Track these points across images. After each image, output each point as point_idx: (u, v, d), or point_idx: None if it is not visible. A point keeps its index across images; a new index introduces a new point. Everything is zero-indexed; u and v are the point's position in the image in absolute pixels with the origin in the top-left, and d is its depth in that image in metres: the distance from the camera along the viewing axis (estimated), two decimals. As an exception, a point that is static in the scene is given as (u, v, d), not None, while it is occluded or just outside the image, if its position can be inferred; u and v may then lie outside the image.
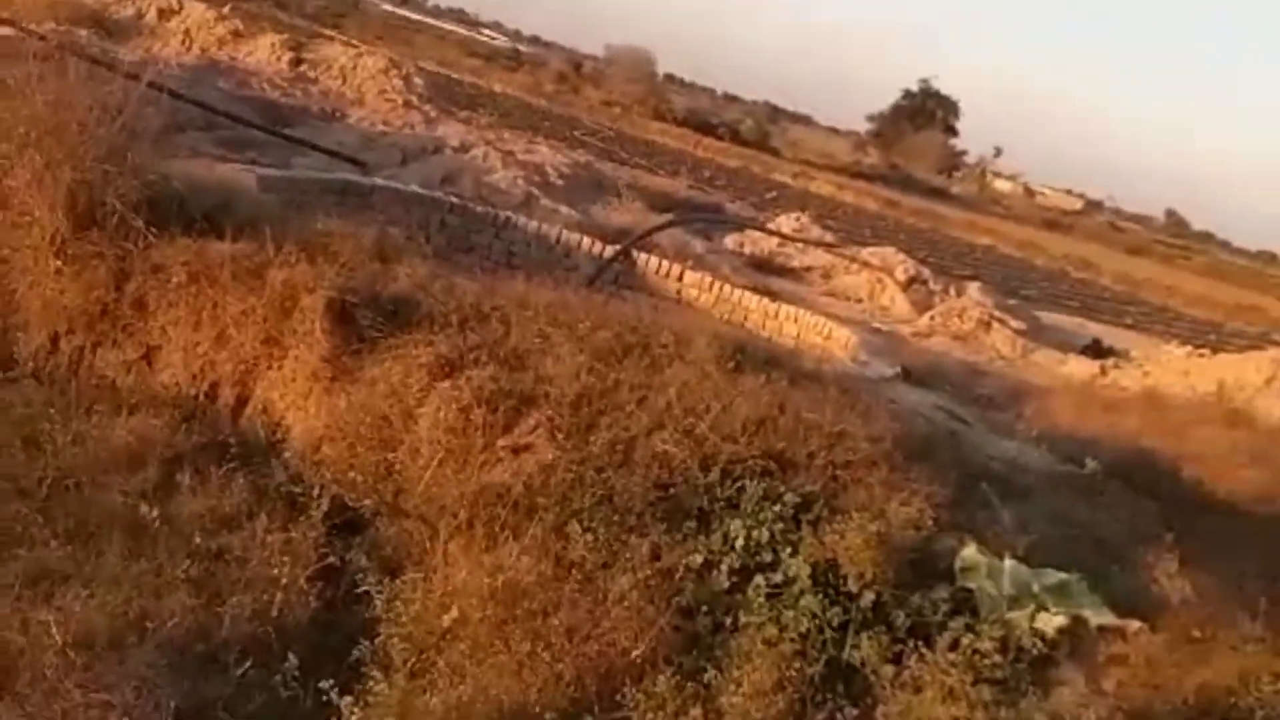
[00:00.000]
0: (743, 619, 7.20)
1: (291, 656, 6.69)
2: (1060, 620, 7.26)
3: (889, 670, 6.95)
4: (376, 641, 7.05)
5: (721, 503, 7.74)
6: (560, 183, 26.50)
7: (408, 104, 31.63)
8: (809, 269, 28.18)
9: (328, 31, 58.40)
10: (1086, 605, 7.46)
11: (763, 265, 26.79)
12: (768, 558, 7.42)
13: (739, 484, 7.79)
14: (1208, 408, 16.63)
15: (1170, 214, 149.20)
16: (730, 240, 28.61)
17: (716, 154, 78.04)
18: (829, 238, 33.18)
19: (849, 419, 8.56)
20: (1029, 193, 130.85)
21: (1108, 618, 7.45)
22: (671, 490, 7.78)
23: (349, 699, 6.32)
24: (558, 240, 17.91)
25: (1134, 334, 38.18)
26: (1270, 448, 13.45)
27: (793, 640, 6.99)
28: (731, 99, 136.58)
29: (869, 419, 8.72)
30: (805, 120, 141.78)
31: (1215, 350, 28.19)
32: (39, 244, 9.84)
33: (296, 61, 33.04)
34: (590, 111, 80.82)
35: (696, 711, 6.64)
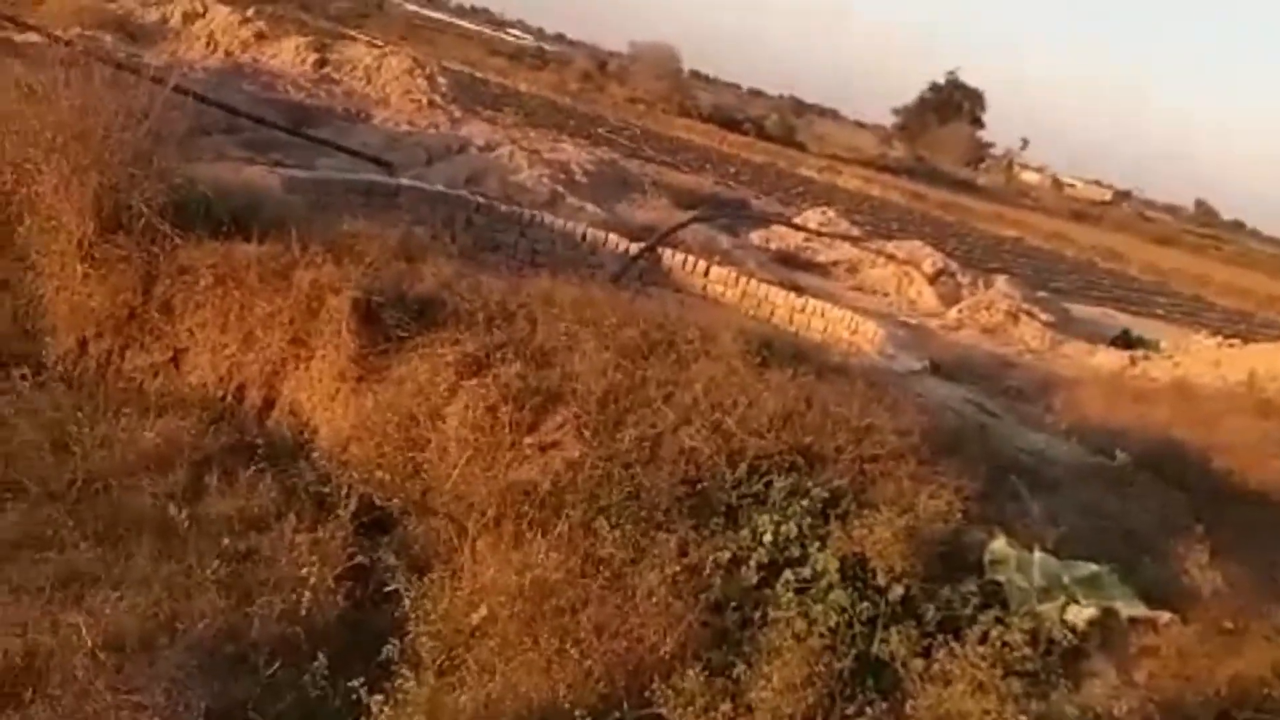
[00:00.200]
0: (771, 614, 7.17)
1: (321, 656, 6.70)
2: (1091, 612, 7.22)
3: (919, 664, 6.92)
4: (405, 640, 7.05)
5: (749, 498, 7.71)
6: (585, 180, 26.53)
7: (432, 104, 31.72)
8: (835, 263, 28.12)
9: (351, 32, 58.52)
10: (1117, 597, 7.42)
11: (789, 260, 26.75)
12: (796, 552, 7.40)
13: (767, 479, 7.77)
14: (1238, 398, 16.53)
15: (1200, 204, 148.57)
16: (756, 235, 28.61)
17: (742, 149, 77.97)
18: (855, 232, 33.18)
19: (876, 413, 8.53)
20: (1057, 184, 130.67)
21: (1138, 609, 7.40)
22: (699, 486, 7.76)
23: (378, 698, 6.33)
24: (583, 238, 17.94)
25: (1164, 324, 38.02)
26: (1302, 438, 13.35)
27: (822, 635, 6.96)
28: (757, 94, 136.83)
29: (897, 412, 8.69)
30: (831, 114, 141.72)
31: (1246, 340, 28.02)
32: (66, 248, 9.89)
33: (321, 63, 33.16)
34: (615, 109, 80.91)
35: (726, 707, 6.61)
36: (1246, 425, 13.57)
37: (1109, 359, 23.22)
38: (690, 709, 6.61)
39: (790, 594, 7.20)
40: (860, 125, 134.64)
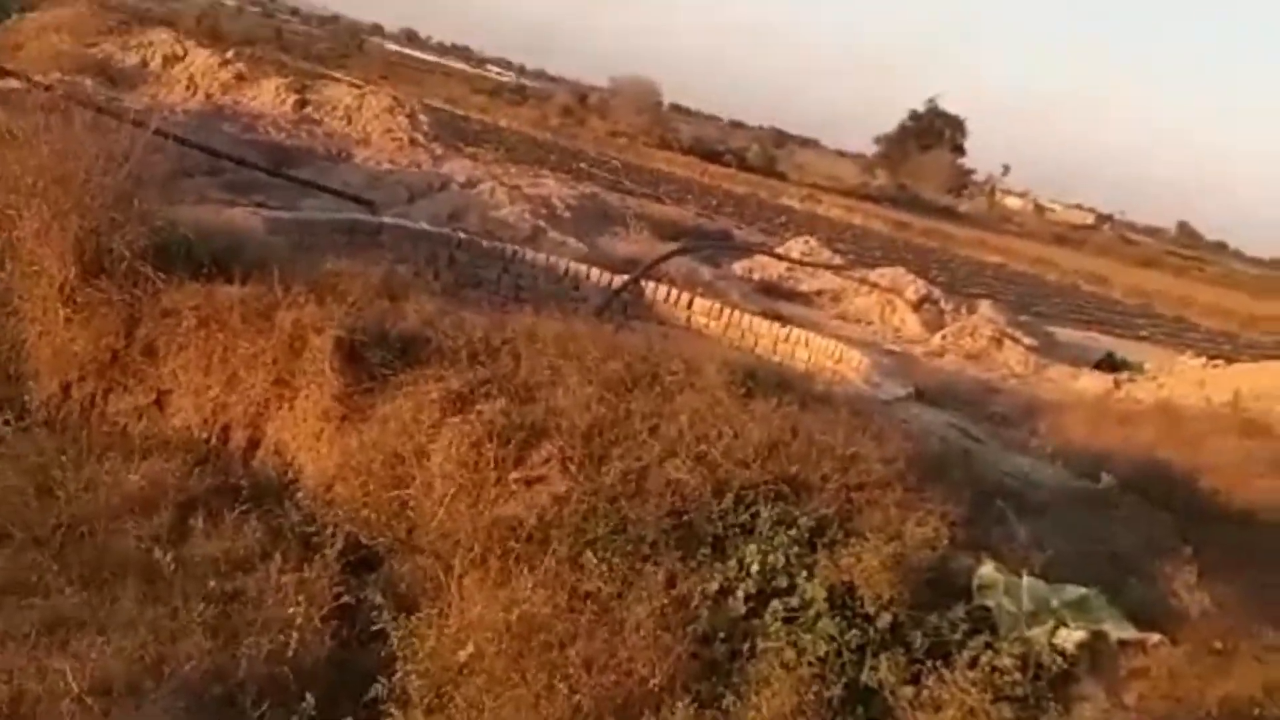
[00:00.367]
0: (760, 644, 7.16)
1: (309, 696, 6.69)
2: (1080, 635, 7.21)
3: (908, 691, 6.90)
4: (393, 679, 7.03)
5: (736, 528, 7.71)
6: (567, 215, 26.61)
7: (413, 142, 31.82)
8: (819, 292, 28.23)
9: (332, 73, 58.60)
10: (1106, 619, 7.41)
11: (772, 290, 26.84)
12: (784, 582, 7.39)
13: (753, 509, 7.76)
14: (1223, 418, 16.59)
15: (1182, 225, 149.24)
16: (739, 266, 28.68)
17: (724, 181, 78.26)
18: (838, 260, 33.25)
19: (862, 441, 8.53)
20: (1039, 209, 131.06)
21: (1128, 631, 7.40)
22: (685, 518, 7.75)
23: (367, 737, 6.31)
24: (566, 272, 17.95)
25: (1148, 346, 38.19)
26: (1287, 458, 13.39)
27: (811, 664, 6.95)
28: (737, 125, 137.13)
29: (882, 440, 8.69)
30: (812, 144, 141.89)
31: (1230, 360, 28.15)
32: (48, 293, 9.89)
33: (301, 104, 33.23)
34: (596, 143, 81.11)
35: (717, 739, 6.61)
36: (1231, 445, 13.62)
37: (1093, 382, 23.31)
38: (681, 742, 6.60)
39: (779, 624, 7.19)
40: (841, 154, 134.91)
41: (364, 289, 10.05)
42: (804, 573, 7.38)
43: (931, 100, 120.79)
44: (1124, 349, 32.51)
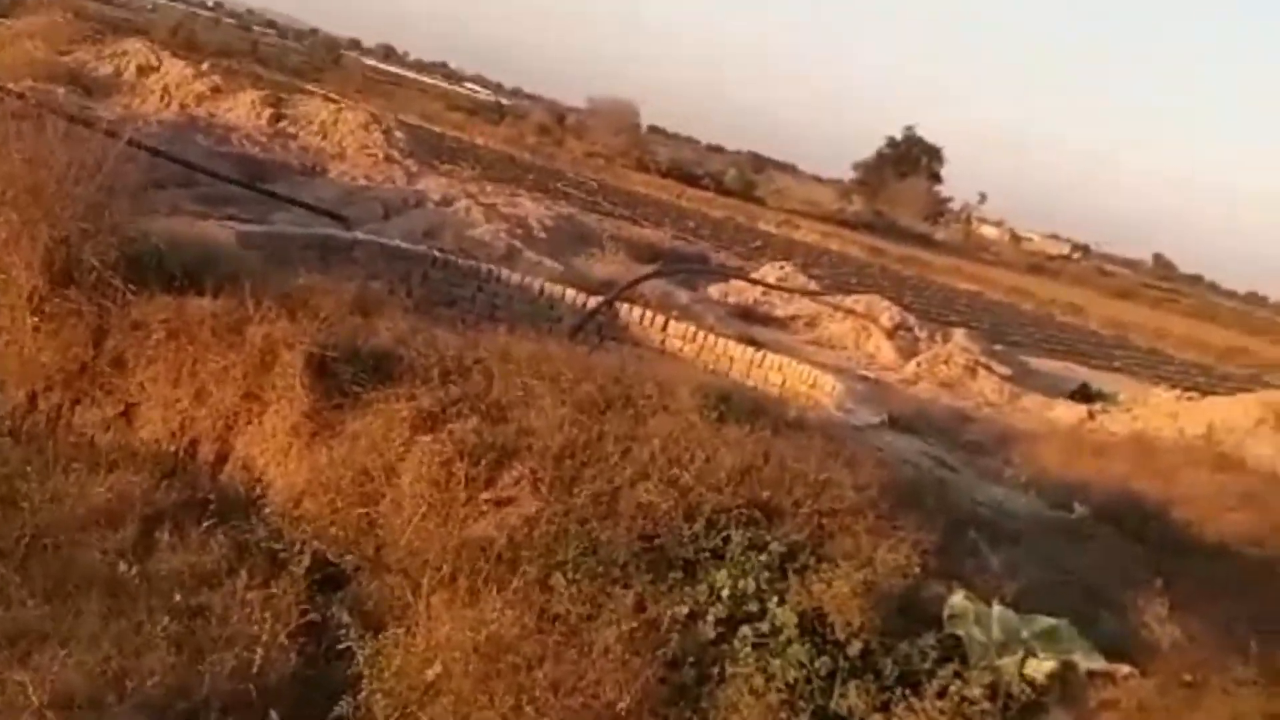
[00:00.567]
0: (729, 669, 7.12)
1: (273, 714, 6.65)
2: (1050, 666, 7.20)
3: (877, 719, 6.87)
4: (359, 698, 6.98)
5: (707, 553, 7.66)
6: (543, 235, 26.59)
7: (389, 158, 31.76)
8: (794, 317, 28.24)
9: (308, 87, 58.54)
10: (1076, 650, 7.40)
11: (747, 314, 26.83)
12: (754, 607, 7.35)
13: (724, 534, 7.72)
14: (1196, 451, 16.65)
15: (1158, 257, 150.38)
16: (715, 290, 28.69)
17: (701, 204, 78.45)
18: (814, 286, 33.31)
19: (834, 467, 8.50)
20: (1015, 238, 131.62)
21: (1098, 663, 7.39)
22: (656, 541, 7.71)
23: (331, 757, 6.25)
24: (541, 292, 17.89)
25: (1123, 377, 38.34)
26: (1259, 490, 13.44)
27: (780, 690, 6.91)
28: (715, 149, 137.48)
29: (855, 466, 8.66)
30: (790, 169, 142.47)
31: (1204, 393, 28.29)
32: (16, 302, 9.81)
33: (277, 117, 33.14)
34: (573, 163, 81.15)
35: (684, 764, 6.56)
36: (1204, 478, 13.66)
37: (1068, 412, 23.36)
38: (648, 766, 6.55)
39: (748, 649, 7.15)
40: (819, 180, 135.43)
41: (336, 305, 9.99)
42: (775, 598, 7.34)
43: (909, 128, 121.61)
44: (1099, 380, 32.64)
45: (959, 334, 29.76)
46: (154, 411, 9.71)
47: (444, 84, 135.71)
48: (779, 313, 28.37)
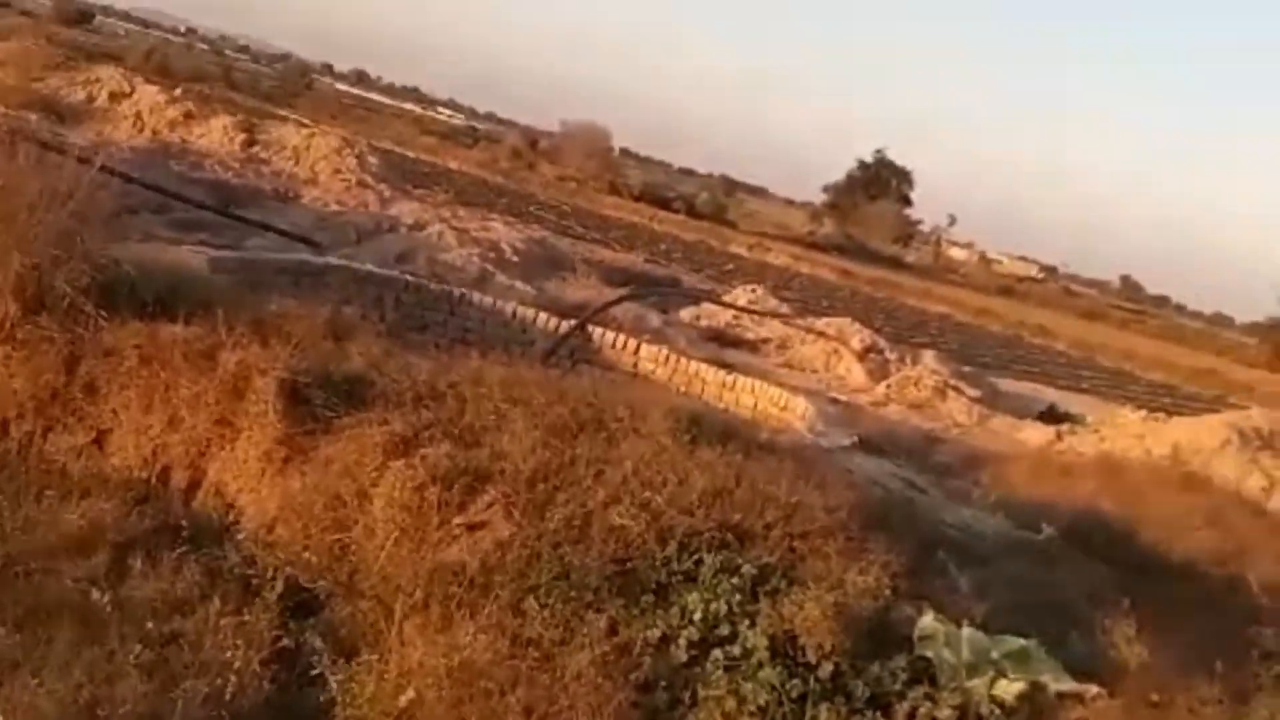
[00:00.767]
0: (701, 693, 7.14)
1: (246, 741, 6.62)
2: (1019, 687, 7.24)
3: (849, 741, 6.91)
4: (332, 724, 6.98)
5: (679, 576, 7.68)
6: (516, 259, 26.63)
7: (361, 183, 31.77)
8: (765, 340, 28.35)
9: (281, 112, 58.51)
10: (1045, 671, 7.45)
11: (719, 337, 26.94)
12: (726, 630, 7.37)
13: (696, 557, 7.74)
14: (1162, 471, 16.79)
15: (1125, 279, 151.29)
16: (686, 313, 28.78)
17: (673, 227, 78.57)
18: (785, 309, 33.41)
19: (805, 489, 8.53)
20: (984, 260, 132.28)
21: (1066, 683, 7.43)
22: (629, 565, 7.72)
23: (304, 784, 6.25)
24: (513, 316, 17.92)
25: (1090, 398, 38.56)
26: (1224, 510, 13.56)
27: (751, 713, 6.94)
28: (687, 173, 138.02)
29: (826, 489, 8.69)
30: (761, 193, 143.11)
31: (1170, 413, 28.46)
32: (-12, 329, 9.79)
33: (249, 143, 33.15)
34: (546, 187, 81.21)
35: (657, 788, 6.58)
36: (1170, 499, 13.77)
37: (1036, 433, 23.52)
38: (621, 790, 6.57)
39: (720, 672, 7.18)
40: (790, 203, 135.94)
41: (309, 330, 10.00)
42: (746, 621, 7.37)
43: (879, 151, 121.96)
44: (1066, 400, 32.83)
45: (928, 356, 29.95)
46: (126, 438, 9.68)
47: (417, 108, 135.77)
48: (750, 335, 28.47)
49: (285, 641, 7.69)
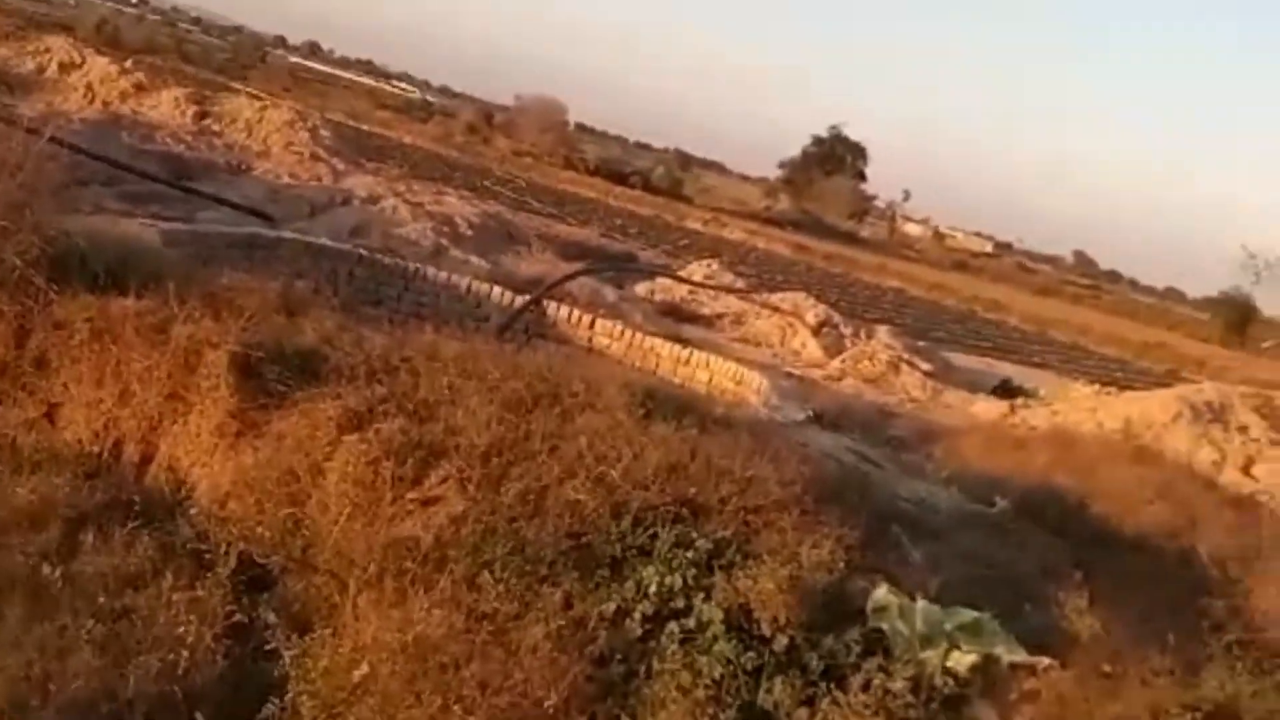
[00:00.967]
0: (656, 666, 7.15)
1: (199, 716, 6.59)
2: (972, 659, 7.28)
3: (803, 713, 6.92)
4: (285, 699, 6.93)
5: (634, 550, 7.69)
6: (470, 233, 26.53)
7: (315, 156, 31.59)
8: (720, 315, 28.41)
9: (234, 84, 58.08)
10: (998, 643, 7.48)
11: (674, 312, 26.97)
12: (681, 604, 7.38)
13: (651, 531, 7.74)
14: (1115, 445, 16.92)
15: (1078, 254, 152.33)
16: (642, 288, 28.82)
17: (629, 202, 78.49)
18: (740, 284, 33.47)
19: (760, 464, 8.54)
20: (939, 236, 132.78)
21: (1019, 655, 7.48)
22: (584, 539, 7.72)
23: (258, 758, 6.23)
24: (468, 291, 17.87)
25: (1044, 373, 38.81)
26: (1176, 483, 13.67)
27: (707, 686, 6.95)
28: (643, 147, 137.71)
29: (780, 463, 8.70)
30: (717, 167, 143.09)
31: (1122, 388, 28.72)
32: (-64, 302, 9.69)
33: (201, 115, 32.91)
34: (501, 162, 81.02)
35: (612, 761, 6.59)
36: (1122, 472, 13.88)
37: (989, 407, 23.67)
38: (576, 764, 6.58)
39: (675, 645, 7.18)
40: (745, 178, 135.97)
41: (261, 304, 9.93)
42: (701, 594, 7.38)
43: (835, 127, 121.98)
44: (1020, 375, 33.02)
45: (883, 331, 30.10)
46: (77, 412, 9.61)
47: (371, 81, 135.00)
48: (706, 310, 28.54)
49: (238, 616, 7.66)
